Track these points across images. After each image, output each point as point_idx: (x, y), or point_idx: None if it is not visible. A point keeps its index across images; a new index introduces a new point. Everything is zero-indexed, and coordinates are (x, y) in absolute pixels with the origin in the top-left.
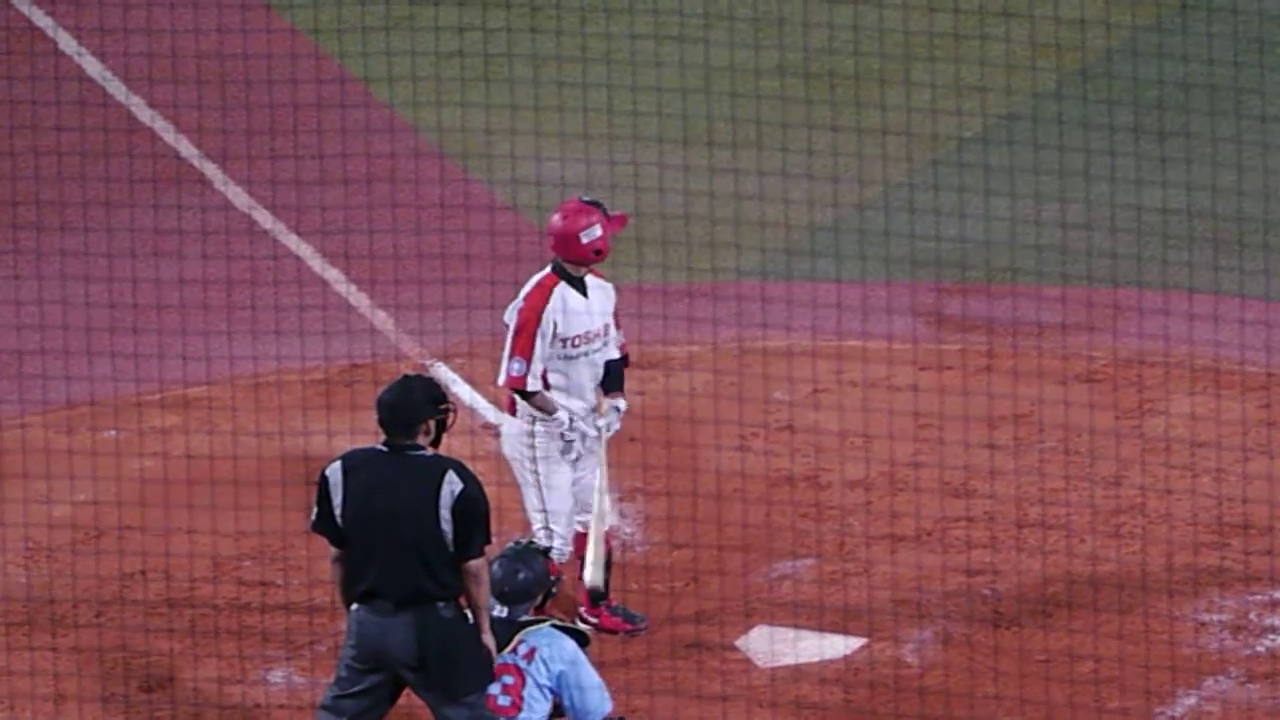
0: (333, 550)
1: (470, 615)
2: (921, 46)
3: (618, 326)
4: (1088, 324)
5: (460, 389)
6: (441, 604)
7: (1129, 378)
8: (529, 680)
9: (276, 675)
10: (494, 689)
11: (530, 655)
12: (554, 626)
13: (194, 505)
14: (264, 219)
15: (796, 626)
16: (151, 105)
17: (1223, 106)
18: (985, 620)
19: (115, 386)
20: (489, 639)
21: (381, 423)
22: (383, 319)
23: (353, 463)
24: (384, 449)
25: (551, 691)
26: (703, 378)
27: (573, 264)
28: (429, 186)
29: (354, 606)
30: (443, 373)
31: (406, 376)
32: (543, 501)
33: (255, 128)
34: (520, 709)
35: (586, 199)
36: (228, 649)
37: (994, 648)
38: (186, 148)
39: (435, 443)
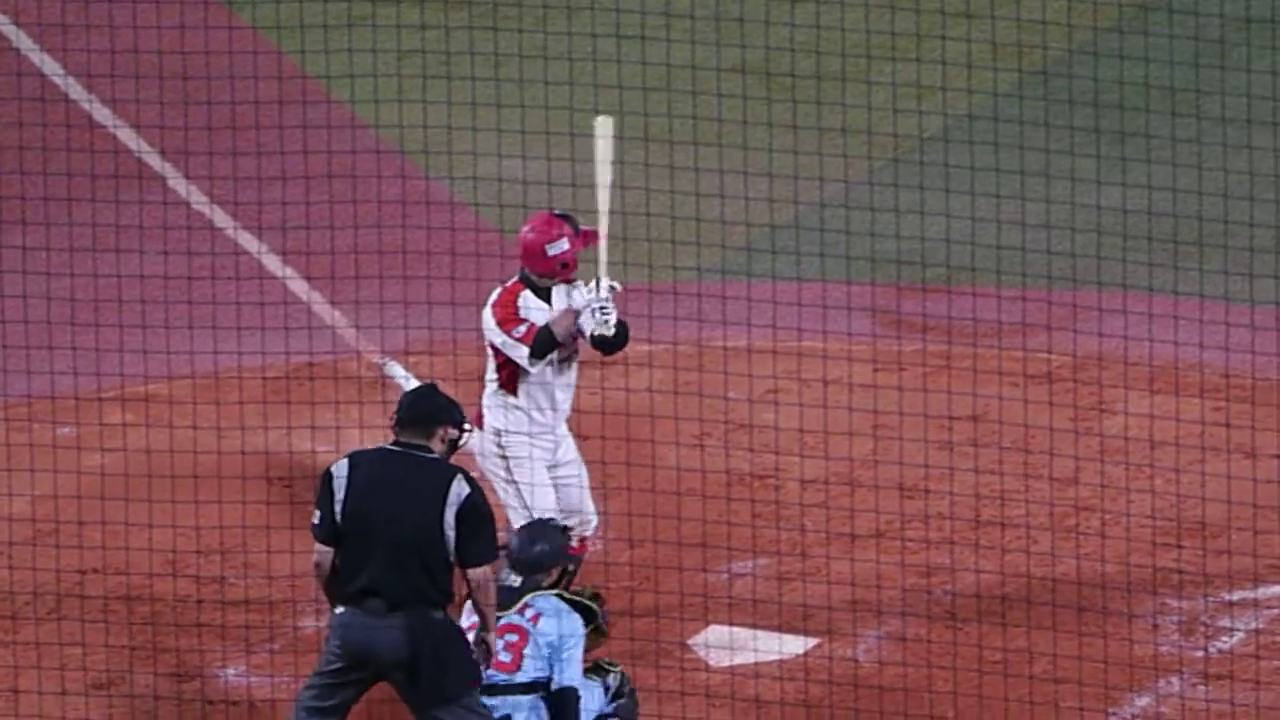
0: (318, 549)
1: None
2: (882, 46)
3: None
4: (1046, 324)
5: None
6: (433, 608)
7: (1087, 378)
8: (531, 640)
9: (233, 672)
10: (496, 645)
11: (536, 619)
12: (560, 597)
13: (153, 500)
14: (224, 216)
15: (754, 625)
16: (112, 101)
17: (1183, 108)
18: (942, 619)
19: (76, 381)
20: (493, 639)
21: (399, 421)
22: (342, 316)
23: (359, 459)
24: (393, 448)
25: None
26: (662, 376)
27: (539, 276)
28: (389, 184)
29: (339, 609)
30: (396, 371)
31: (433, 384)
32: (524, 505)
33: (215, 124)
34: (519, 667)
35: (558, 212)
36: (185, 645)
37: (951, 646)
38: (146, 144)
39: (446, 458)
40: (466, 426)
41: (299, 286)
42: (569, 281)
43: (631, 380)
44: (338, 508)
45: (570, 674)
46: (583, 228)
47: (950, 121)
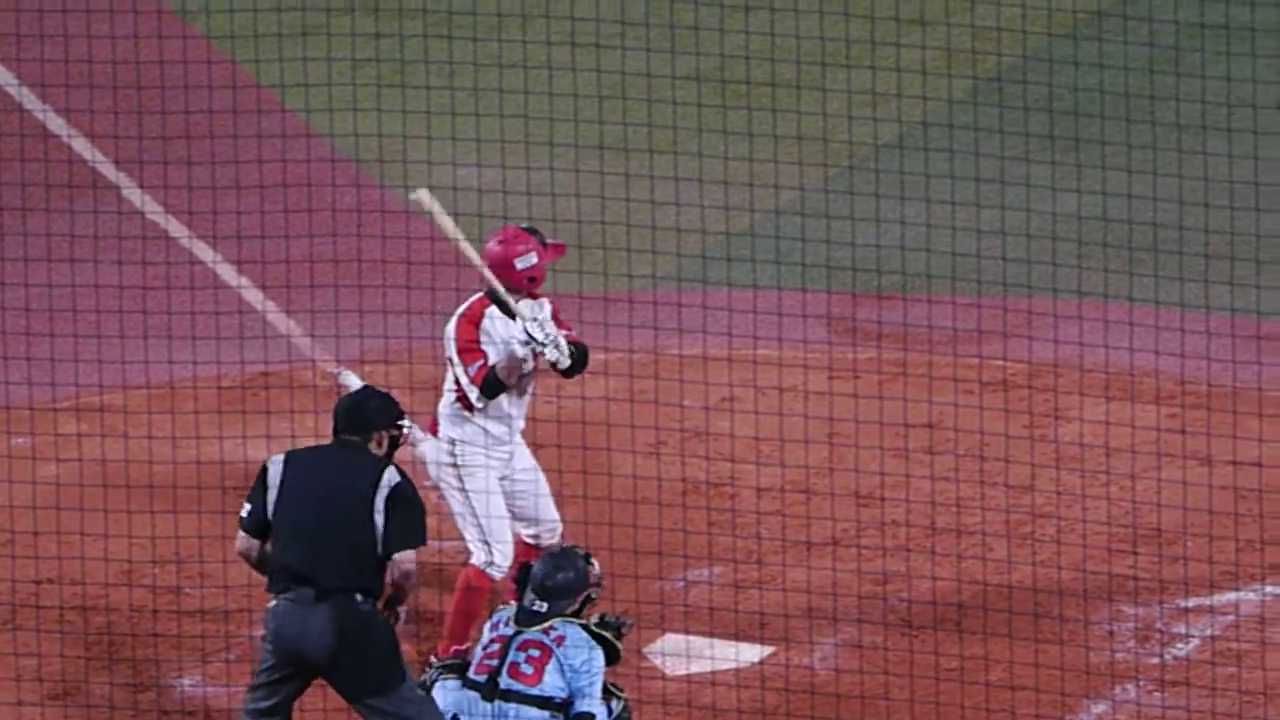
0: (241, 536)
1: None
2: (837, 53)
3: (562, 328)
4: (1002, 331)
5: None
6: (360, 596)
7: (1043, 385)
8: (555, 658)
9: (189, 681)
10: (519, 657)
11: (560, 640)
12: (586, 630)
13: (108, 510)
14: (178, 225)
15: (710, 633)
16: (66, 111)
17: (1138, 114)
18: (899, 626)
19: (30, 391)
20: (401, 622)
21: (336, 426)
22: (297, 325)
23: (295, 455)
24: (330, 445)
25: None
26: (617, 384)
27: (507, 289)
28: (344, 192)
29: (272, 601)
30: (351, 380)
31: (368, 387)
32: (475, 514)
33: (169, 134)
34: (539, 680)
35: (524, 226)
36: (141, 655)
37: (908, 653)
38: (101, 154)
39: (385, 459)
40: (403, 424)
41: (254, 296)
42: (534, 297)
43: (587, 388)
44: (270, 499)
45: (589, 705)
46: (549, 241)
47: (905, 128)
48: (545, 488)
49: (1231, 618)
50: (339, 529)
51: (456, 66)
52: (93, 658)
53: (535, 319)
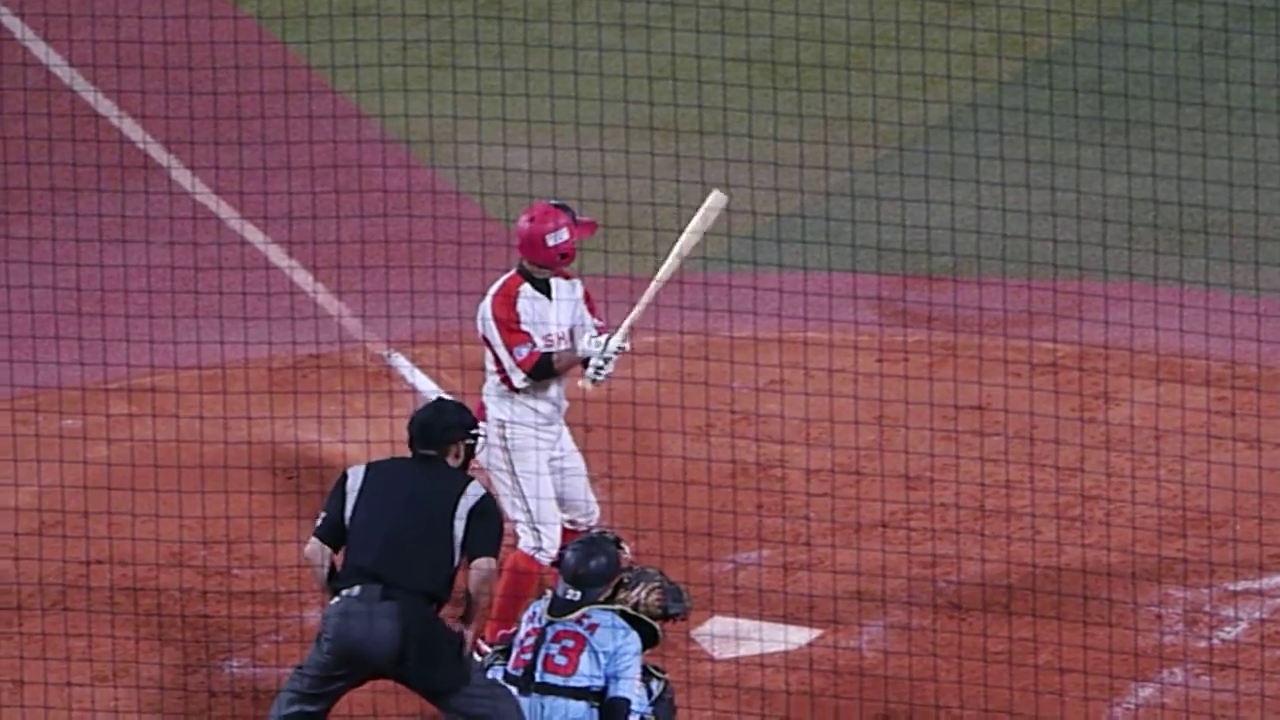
0: (313, 541)
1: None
2: (887, 35)
3: (593, 313)
4: (1052, 313)
5: (421, 379)
6: (428, 602)
7: (1093, 367)
8: (589, 646)
9: (238, 663)
10: (553, 649)
11: (594, 628)
12: (623, 614)
13: (158, 492)
14: (228, 207)
15: (759, 615)
16: (116, 92)
17: (1187, 96)
18: (947, 609)
19: (82, 372)
20: (471, 634)
21: (412, 440)
22: (347, 307)
23: (376, 464)
24: (411, 457)
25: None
26: (667, 365)
27: (538, 267)
28: (394, 174)
29: (335, 599)
30: (401, 363)
31: (440, 399)
32: (523, 496)
33: (219, 115)
34: (574, 670)
35: (554, 202)
36: (190, 636)
37: (956, 635)
38: (150, 135)
39: (463, 468)
40: (477, 432)
41: (304, 278)
42: (566, 277)
43: (638, 370)
44: (348, 509)
45: (624, 688)
46: (580, 218)
47: (955, 110)
48: (584, 470)
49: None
50: (417, 533)
51: (507, 48)
52: (142, 639)
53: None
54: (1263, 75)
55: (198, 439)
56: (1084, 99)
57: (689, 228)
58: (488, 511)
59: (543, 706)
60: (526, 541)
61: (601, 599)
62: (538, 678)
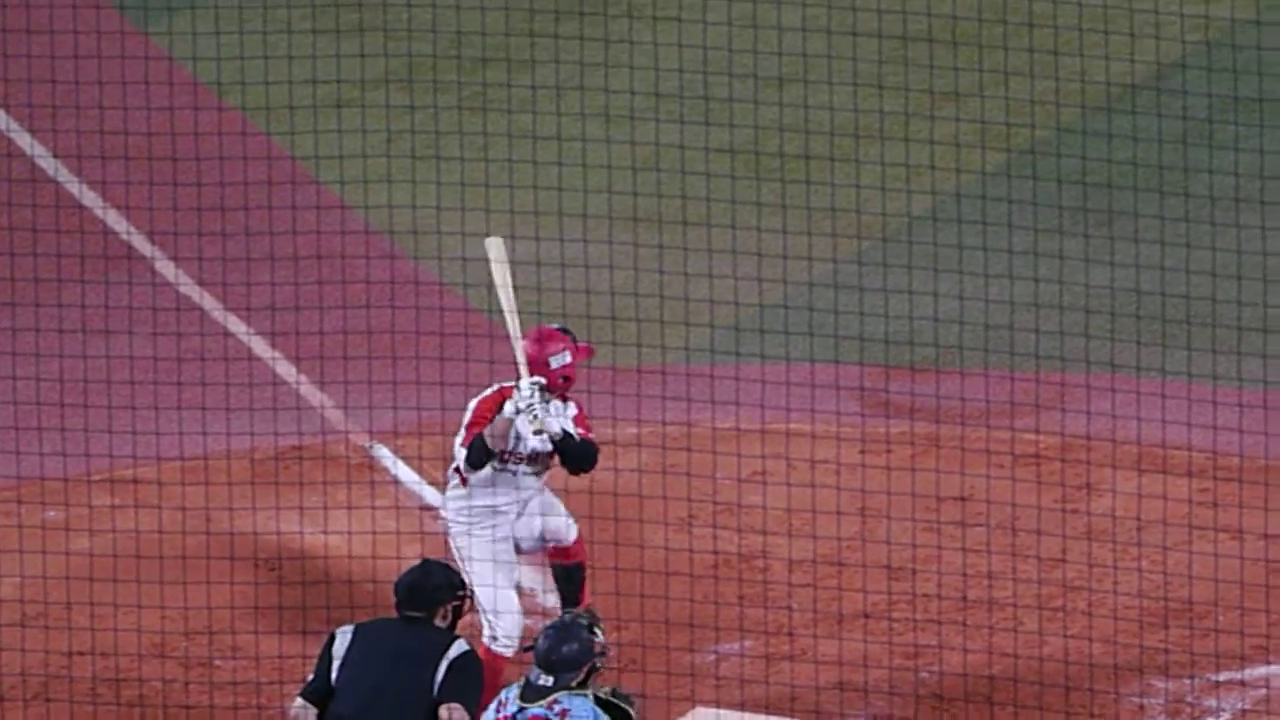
0: (299, 702)
1: None
2: (870, 126)
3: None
4: (1034, 404)
5: (403, 470)
6: None
7: (1075, 458)
8: None
9: None
10: None
11: (564, 715)
12: (597, 698)
13: (140, 582)
14: (211, 298)
15: (741, 706)
16: (100, 183)
17: (1171, 187)
18: (929, 699)
19: (64, 463)
20: None
21: (399, 604)
22: (329, 397)
23: (364, 626)
24: (398, 619)
25: None
26: (649, 456)
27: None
28: (377, 265)
29: None
30: (383, 454)
31: (426, 561)
32: (478, 585)
33: (203, 206)
34: None
35: (556, 326)
36: None
37: None
38: (134, 226)
39: (450, 629)
40: (464, 593)
41: (286, 369)
42: (565, 399)
43: (620, 460)
44: (335, 665)
45: None
46: (579, 343)
47: (938, 201)
48: (556, 502)
49: (1263, 691)
50: (398, 688)
51: (490, 139)
52: None
53: (531, 386)
54: (1246, 165)
55: (180, 530)
56: (1068, 190)
57: (497, 282)
58: (467, 666)
59: None
60: (485, 631)
61: (574, 684)
62: None
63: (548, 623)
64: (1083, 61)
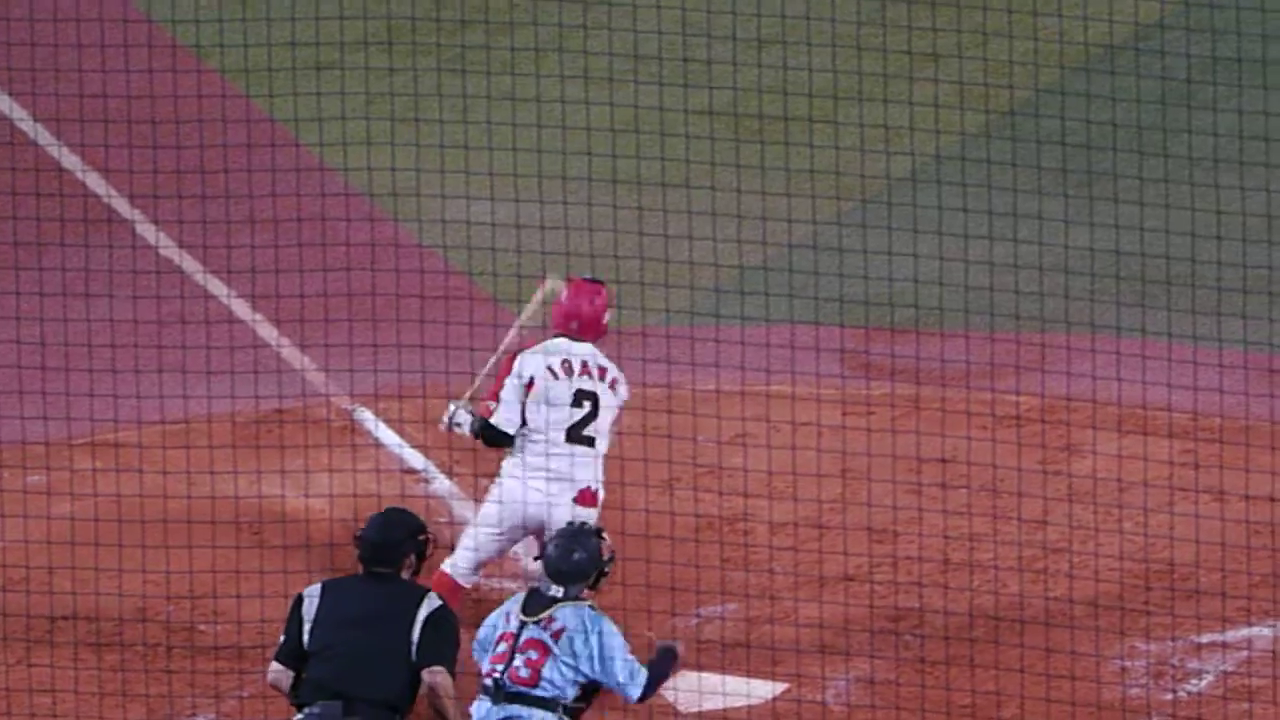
0: (275, 667)
1: None
2: (850, 88)
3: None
4: (1015, 366)
5: (385, 433)
6: (390, 713)
7: (1056, 419)
8: (552, 658)
9: (203, 719)
10: (518, 660)
11: (558, 634)
12: (592, 607)
13: (122, 547)
14: (192, 261)
15: (723, 669)
16: (80, 146)
17: (1150, 148)
18: (911, 662)
19: (46, 428)
20: None
21: (363, 559)
22: (311, 361)
23: (332, 584)
24: (365, 575)
25: (578, 673)
26: (630, 419)
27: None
28: (358, 227)
29: (297, 716)
30: (365, 417)
31: (387, 510)
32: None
33: (183, 169)
34: (537, 683)
35: (588, 277)
36: (155, 691)
37: (920, 689)
38: (114, 189)
39: (416, 573)
40: (425, 536)
41: (268, 331)
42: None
43: None
44: (306, 628)
45: (620, 671)
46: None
47: (918, 163)
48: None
49: (1245, 653)
50: (375, 649)
51: (470, 101)
52: (107, 694)
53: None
54: (1226, 126)
55: (162, 494)
56: (1047, 151)
57: (529, 307)
58: (442, 622)
59: (512, 716)
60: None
61: (580, 595)
62: (507, 688)
63: (555, 531)
64: (1061, 22)
